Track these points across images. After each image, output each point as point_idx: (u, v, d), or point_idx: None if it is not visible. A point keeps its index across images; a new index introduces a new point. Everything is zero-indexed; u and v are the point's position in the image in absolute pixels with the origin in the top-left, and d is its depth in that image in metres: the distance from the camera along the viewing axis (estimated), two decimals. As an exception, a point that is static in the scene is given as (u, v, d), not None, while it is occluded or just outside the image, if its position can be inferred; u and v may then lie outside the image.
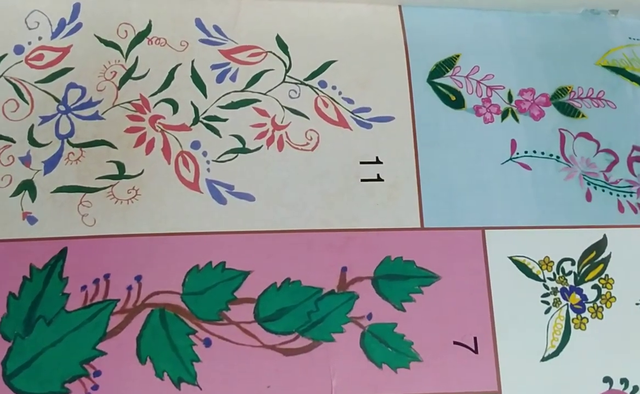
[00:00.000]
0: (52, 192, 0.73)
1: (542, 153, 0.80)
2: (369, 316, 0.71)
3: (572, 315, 0.73)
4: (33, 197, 0.72)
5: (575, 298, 0.74)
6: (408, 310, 0.72)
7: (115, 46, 0.80)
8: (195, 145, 0.76)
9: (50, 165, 0.74)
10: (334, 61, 0.81)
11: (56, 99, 0.77)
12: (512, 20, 0.87)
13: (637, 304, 0.74)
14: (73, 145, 0.75)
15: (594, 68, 0.85)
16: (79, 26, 0.81)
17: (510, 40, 0.85)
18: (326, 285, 0.72)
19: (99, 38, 0.80)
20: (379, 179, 0.76)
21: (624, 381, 0.71)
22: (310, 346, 0.69)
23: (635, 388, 0.71)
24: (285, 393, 0.68)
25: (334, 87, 0.80)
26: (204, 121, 0.77)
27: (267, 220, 0.73)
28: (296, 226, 0.73)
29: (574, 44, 0.87)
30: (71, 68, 0.79)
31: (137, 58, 0.79)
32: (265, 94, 0.79)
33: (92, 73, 0.78)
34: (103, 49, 0.80)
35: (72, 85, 0.78)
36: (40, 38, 0.80)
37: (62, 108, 0.77)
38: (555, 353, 0.72)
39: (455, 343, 0.71)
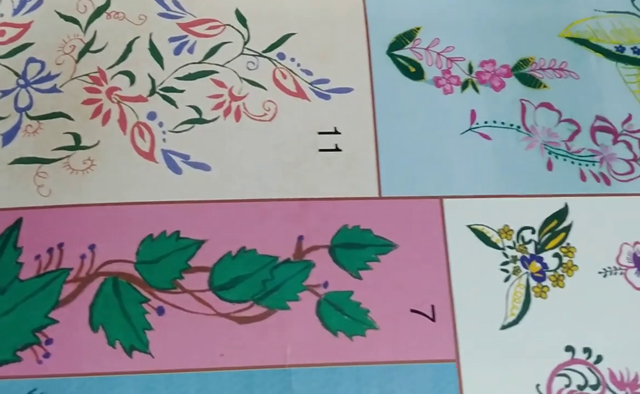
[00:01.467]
0: (9, 164, 0.73)
1: (503, 123, 0.79)
2: (325, 285, 0.70)
3: (533, 283, 0.72)
4: (-10, 169, 0.72)
5: (536, 266, 0.73)
6: (365, 278, 0.71)
7: (75, 21, 0.80)
8: (152, 115, 0.75)
9: (8, 137, 0.74)
10: (293, 34, 0.81)
11: (16, 74, 0.77)
12: (476, -7, 0.87)
13: (599, 273, 0.73)
14: (31, 118, 0.75)
15: (557, 40, 0.85)
16: (39, 2, 0.81)
17: (473, 13, 0.85)
18: (282, 253, 0.71)
19: (59, 13, 0.80)
20: (337, 149, 0.76)
21: (587, 350, 0.70)
22: (265, 314, 0.69)
23: (600, 358, 0.70)
24: (238, 361, 0.67)
25: (292, 59, 0.80)
26: (161, 92, 0.76)
27: (223, 189, 0.73)
28: (253, 195, 0.73)
29: (538, 16, 0.86)
30: (31, 44, 0.79)
31: (95, 32, 0.79)
32: (223, 66, 0.78)
33: (51, 47, 0.78)
34: (63, 24, 0.80)
35: (31, 60, 0.78)
36: (1, 15, 0.80)
37: (21, 82, 0.77)
38: (515, 322, 0.70)
39: (412, 311, 0.70)
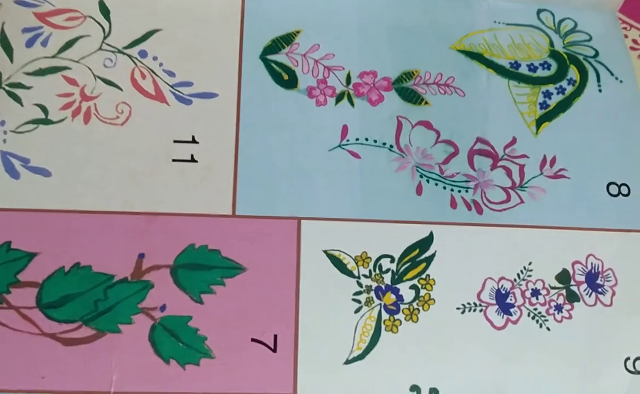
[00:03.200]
0: None
1: (375, 141, 0.74)
2: (162, 308, 0.66)
3: (385, 316, 0.68)
4: None
5: (390, 298, 0.69)
6: (206, 303, 0.67)
7: None
8: (-7, 113, 0.70)
9: None
10: (158, 30, 0.75)
11: None
12: (368, -4, 0.81)
13: (457, 309, 0.70)
14: None
15: (447, 52, 0.79)
16: None
17: (361, 18, 0.79)
18: (120, 272, 0.67)
19: None
20: (192, 160, 0.71)
21: (434, 390, 0.67)
22: (94, 336, 0.65)
23: (447, 398, 0.67)
24: (60, 384, 0.63)
25: (155, 58, 0.74)
26: (6, 88, 0.71)
27: (62, 198, 0.68)
28: (94, 206, 0.68)
29: (431, 26, 0.81)
30: None
31: (-58, 16, 0.74)
32: (77, 62, 0.73)
33: None
34: None
35: None
36: None
37: None
38: (361, 356, 0.67)
39: (253, 340, 0.66)
